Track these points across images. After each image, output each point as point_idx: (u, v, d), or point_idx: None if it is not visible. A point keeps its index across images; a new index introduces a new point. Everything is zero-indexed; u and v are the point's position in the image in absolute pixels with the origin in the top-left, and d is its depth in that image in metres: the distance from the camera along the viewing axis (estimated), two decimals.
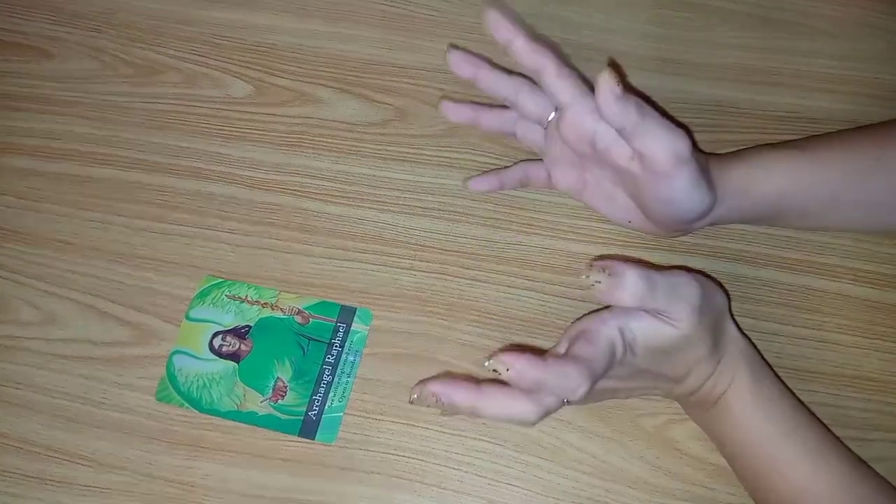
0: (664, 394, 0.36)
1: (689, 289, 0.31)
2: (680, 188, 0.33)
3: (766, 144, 0.39)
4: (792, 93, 0.47)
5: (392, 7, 0.50)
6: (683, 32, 0.49)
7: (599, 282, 0.29)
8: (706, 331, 0.32)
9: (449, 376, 0.30)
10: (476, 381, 0.30)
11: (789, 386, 0.38)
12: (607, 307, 0.32)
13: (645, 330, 0.31)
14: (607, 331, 0.31)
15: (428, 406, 0.30)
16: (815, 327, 0.40)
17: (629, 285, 0.29)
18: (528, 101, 0.37)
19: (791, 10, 0.49)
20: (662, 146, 0.31)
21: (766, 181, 0.37)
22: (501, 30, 0.33)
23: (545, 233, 0.43)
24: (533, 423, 0.30)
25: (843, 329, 0.40)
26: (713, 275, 0.41)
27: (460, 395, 0.29)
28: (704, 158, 0.36)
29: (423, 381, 0.30)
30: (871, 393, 0.39)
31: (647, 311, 0.31)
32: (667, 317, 0.31)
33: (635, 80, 0.47)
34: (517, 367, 0.28)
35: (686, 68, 0.48)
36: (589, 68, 0.48)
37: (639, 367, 0.32)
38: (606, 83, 0.30)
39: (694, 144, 0.35)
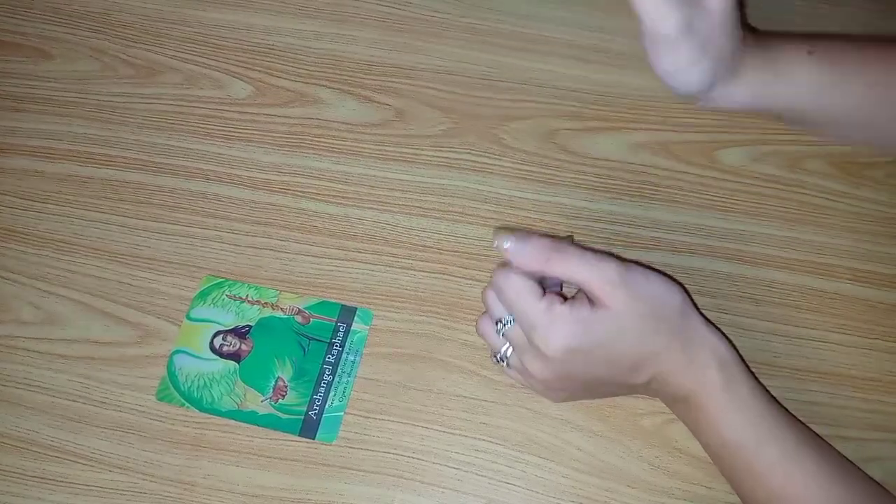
0: (634, 389, 0.36)
1: (607, 265, 0.33)
2: (662, 68, 0.34)
3: (802, 42, 0.36)
4: None
5: (392, 8, 0.50)
6: None
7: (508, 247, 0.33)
8: (646, 317, 0.33)
9: None
10: None
11: (787, 385, 0.39)
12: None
13: (584, 323, 0.33)
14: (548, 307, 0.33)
15: None
16: (813, 327, 0.40)
17: (533, 247, 0.33)
18: None
19: (790, 11, 0.50)
20: (645, 20, 0.31)
21: (790, 96, 0.35)
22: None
23: (545, 233, 0.43)
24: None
25: (841, 329, 0.40)
26: (712, 275, 0.41)
27: None
28: (734, 49, 0.34)
29: None
30: (869, 393, 0.39)
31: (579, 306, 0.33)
32: (594, 297, 0.32)
33: (635, 80, 0.47)
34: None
35: None
36: (588, 70, 0.48)
37: (585, 362, 0.33)
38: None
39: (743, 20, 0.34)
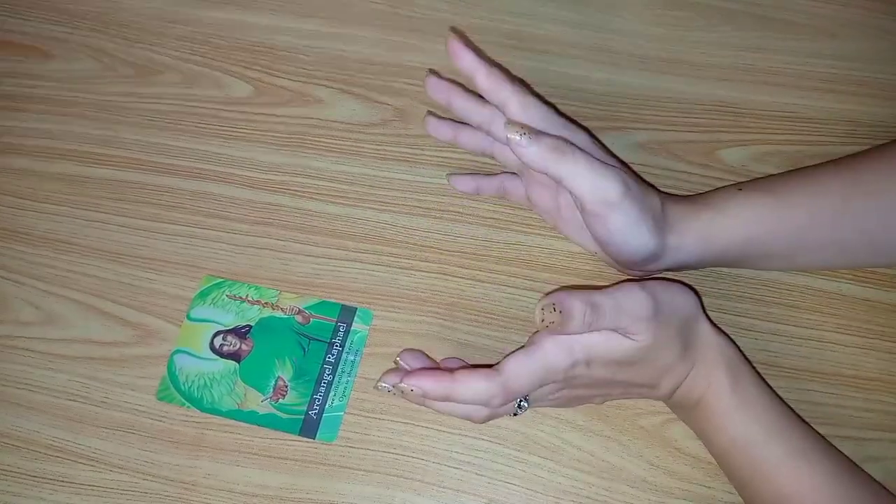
0: (643, 397, 0.36)
1: (639, 303, 0.31)
2: (614, 229, 0.34)
3: (731, 185, 0.38)
4: (792, 93, 0.47)
5: (391, 7, 0.50)
6: (684, 32, 0.49)
7: (553, 321, 0.30)
8: (670, 338, 0.33)
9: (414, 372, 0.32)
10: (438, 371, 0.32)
11: (788, 385, 0.39)
12: None
13: (599, 346, 0.32)
14: (551, 348, 0.32)
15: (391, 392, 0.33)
16: (814, 327, 0.40)
17: (576, 317, 0.30)
18: (499, 129, 0.37)
19: (792, 10, 0.49)
20: (586, 188, 0.32)
21: (731, 228, 0.36)
22: (464, 60, 0.34)
23: (544, 232, 0.43)
24: (481, 422, 0.33)
25: (842, 329, 0.40)
26: (712, 274, 0.41)
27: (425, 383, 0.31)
28: (658, 202, 0.35)
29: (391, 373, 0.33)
30: (869, 392, 0.39)
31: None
32: (623, 331, 0.31)
33: (636, 79, 0.47)
34: (423, 387, 0.31)
35: (687, 68, 0.48)
36: (589, 68, 0.48)
37: (601, 377, 0.33)
38: (511, 133, 0.32)
39: (649, 184, 0.36)
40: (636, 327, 0.31)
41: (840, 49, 0.48)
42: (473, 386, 0.31)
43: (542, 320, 0.30)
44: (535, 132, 0.32)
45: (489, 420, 0.34)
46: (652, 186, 0.37)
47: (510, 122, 0.32)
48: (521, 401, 0.33)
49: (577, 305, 0.30)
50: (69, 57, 0.49)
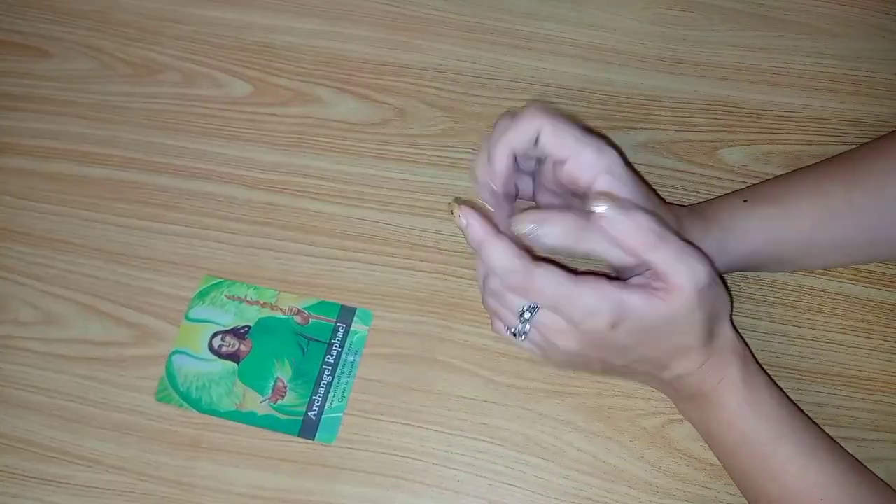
0: (648, 379, 0.35)
1: (700, 267, 0.30)
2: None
3: (735, 195, 0.39)
4: (793, 92, 0.47)
5: (392, 6, 0.50)
6: (684, 31, 0.49)
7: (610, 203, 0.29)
8: (700, 319, 0.31)
9: None
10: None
11: (789, 386, 0.38)
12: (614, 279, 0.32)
13: (636, 307, 0.30)
14: (590, 290, 0.30)
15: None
16: (815, 327, 0.40)
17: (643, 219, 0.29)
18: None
19: (793, 9, 0.49)
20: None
21: (741, 243, 0.37)
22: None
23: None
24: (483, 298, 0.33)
25: (843, 329, 0.40)
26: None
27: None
28: (677, 223, 0.35)
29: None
30: (871, 393, 0.39)
31: (643, 286, 0.30)
32: (667, 287, 0.30)
33: (636, 79, 0.47)
34: (470, 223, 0.31)
35: (687, 67, 0.47)
36: (589, 68, 0.48)
37: (620, 343, 0.32)
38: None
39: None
40: (683, 291, 0.29)
41: (841, 48, 0.48)
42: (502, 251, 0.30)
43: (598, 203, 0.29)
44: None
45: (487, 306, 0.34)
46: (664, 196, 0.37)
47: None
48: (526, 312, 0.32)
49: (641, 214, 0.29)
50: (68, 56, 0.49)
